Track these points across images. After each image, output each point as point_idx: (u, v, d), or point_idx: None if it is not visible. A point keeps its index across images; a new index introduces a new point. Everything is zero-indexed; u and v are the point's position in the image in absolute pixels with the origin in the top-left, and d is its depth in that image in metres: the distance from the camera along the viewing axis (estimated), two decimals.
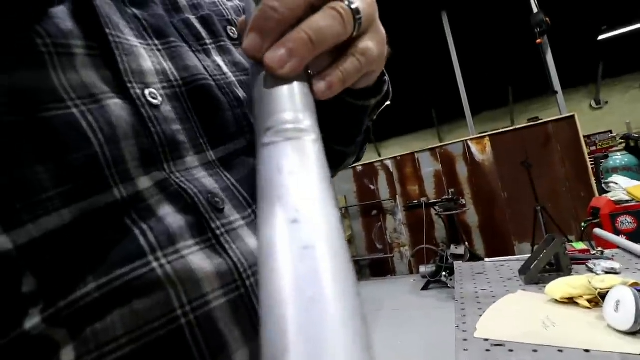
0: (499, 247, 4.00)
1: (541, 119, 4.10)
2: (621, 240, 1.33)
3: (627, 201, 1.83)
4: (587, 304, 0.86)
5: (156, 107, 0.25)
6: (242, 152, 0.30)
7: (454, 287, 1.28)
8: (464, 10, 4.51)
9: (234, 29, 0.35)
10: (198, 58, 0.30)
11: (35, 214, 0.19)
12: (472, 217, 4.13)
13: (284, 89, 0.16)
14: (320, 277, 0.11)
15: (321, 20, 0.17)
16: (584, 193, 3.56)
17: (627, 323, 0.69)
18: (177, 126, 0.26)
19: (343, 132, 0.35)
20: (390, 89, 0.34)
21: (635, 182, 1.88)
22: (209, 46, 0.31)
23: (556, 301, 0.91)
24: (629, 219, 1.80)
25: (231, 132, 0.29)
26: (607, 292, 0.80)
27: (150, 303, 0.21)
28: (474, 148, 4.16)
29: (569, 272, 1.10)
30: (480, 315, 0.92)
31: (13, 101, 0.19)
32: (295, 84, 0.17)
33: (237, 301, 0.24)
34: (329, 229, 0.12)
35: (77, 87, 0.22)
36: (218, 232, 0.25)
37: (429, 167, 4.39)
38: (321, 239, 0.12)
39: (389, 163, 4.61)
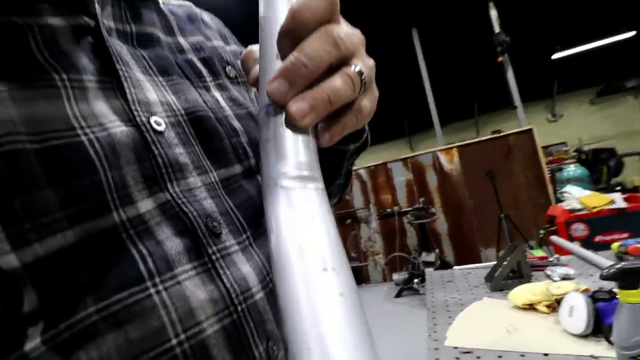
0: (466, 253, 4.17)
1: (503, 132, 4.36)
2: (574, 246, 1.44)
3: (579, 210, 1.98)
4: (545, 310, 0.92)
5: (160, 132, 0.27)
6: (240, 177, 0.32)
7: (425, 294, 1.32)
8: (433, 27, 4.75)
9: (232, 69, 0.38)
10: (199, 93, 0.32)
11: (41, 234, 0.20)
12: (441, 224, 4.29)
13: (300, 137, 0.18)
14: (354, 322, 0.12)
15: (338, 83, 0.20)
16: (542, 201, 3.81)
17: (580, 327, 0.75)
18: (180, 149, 0.28)
19: (323, 174, 0.36)
20: (369, 137, 0.36)
21: (587, 192, 2.04)
22: (209, 83, 0.34)
23: (518, 307, 0.97)
24: (581, 226, 1.95)
25: (229, 158, 0.31)
26: (564, 297, 0.87)
27: (146, 331, 0.22)
28: (442, 158, 4.34)
29: (529, 279, 1.17)
30: (450, 324, 0.96)
31: (31, 129, 0.21)
32: (309, 133, 0.19)
33: (230, 327, 0.25)
34: (351, 275, 0.14)
35: (87, 117, 0.23)
36: (214, 257, 0.26)
37: (400, 177, 4.52)
38: (350, 287, 0.13)
39: (362, 172, 4.70)
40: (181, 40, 0.35)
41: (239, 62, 0.36)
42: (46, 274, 0.20)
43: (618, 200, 1.92)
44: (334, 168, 0.38)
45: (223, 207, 0.29)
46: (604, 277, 0.56)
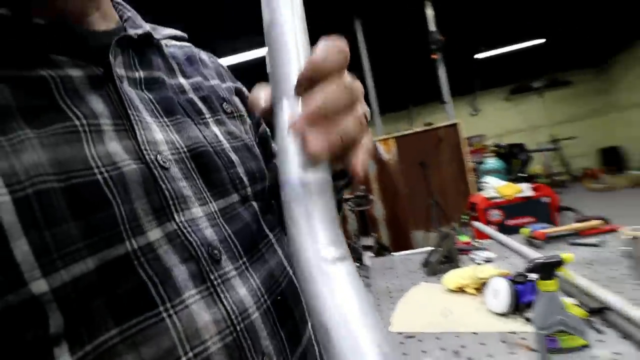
0: (400, 236, 4.50)
1: (434, 124, 4.71)
2: (491, 231, 1.65)
3: (496, 198, 2.26)
4: (473, 292, 1.04)
5: (166, 168, 0.30)
6: (237, 206, 0.35)
7: (366, 277, 1.40)
8: (375, 19, 4.86)
9: (228, 105, 0.41)
10: (199, 129, 0.35)
11: (66, 262, 0.23)
12: (379, 211, 4.54)
13: (331, 214, 0.20)
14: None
15: (352, 128, 0.22)
16: (464, 188, 4.25)
17: (502, 307, 0.87)
18: (184, 183, 0.31)
19: None
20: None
21: (502, 182, 2.33)
22: (208, 119, 0.37)
23: (451, 290, 1.08)
24: (497, 212, 2.23)
25: (227, 188, 0.34)
26: (488, 280, 0.99)
27: (159, 351, 0.25)
28: (381, 148, 4.56)
29: (458, 263, 1.31)
30: (393, 310, 1.03)
31: (56, 170, 0.24)
32: (334, 209, 0.21)
33: (231, 344, 0.28)
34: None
35: (103, 157, 0.26)
36: (215, 282, 0.29)
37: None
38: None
39: None
40: (182, 81, 0.38)
41: (234, 97, 0.43)
42: (70, 298, 0.23)
43: (527, 189, 2.22)
44: None
45: (222, 235, 0.32)
46: (528, 270, 0.64)
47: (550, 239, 1.39)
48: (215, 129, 0.37)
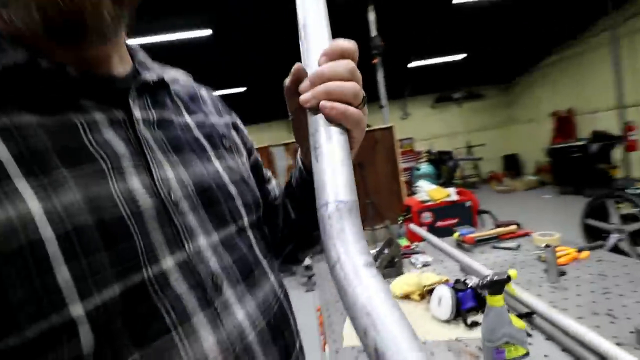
0: None
1: (372, 126, 4.91)
2: (428, 235, 1.77)
3: (428, 201, 2.44)
4: (417, 298, 1.09)
5: (176, 203, 0.33)
6: (235, 236, 0.39)
7: (311, 286, 1.39)
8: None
9: (227, 140, 0.46)
10: (203, 165, 0.39)
11: (98, 287, 0.26)
12: None
13: (359, 228, 0.26)
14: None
15: (351, 93, 0.32)
16: (396, 188, 4.54)
17: (446, 314, 0.92)
18: (191, 216, 0.34)
19: (311, 211, 0.43)
20: None
21: (433, 186, 2.53)
22: (211, 155, 0.41)
23: (397, 297, 1.12)
24: (428, 214, 2.41)
25: (226, 220, 0.38)
26: (432, 287, 1.04)
27: None
28: None
29: (401, 267, 1.37)
30: (344, 321, 1.03)
31: (89, 207, 0.27)
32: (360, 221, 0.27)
33: None
34: None
35: (125, 194, 0.30)
36: (218, 308, 0.33)
37: (282, 161, 4.57)
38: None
39: None
40: (188, 119, 0.42)
41: (232, 132, 0.49)
42: (100, 320, 0.26)
43: (453, 193, 2.44)
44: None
45: (223, 264, 0.36)
46: (481, 287, 0.68)
47: (477, 242, 1.54)
48: (217, 164, 0.41)
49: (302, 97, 0.32)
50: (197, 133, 0.41)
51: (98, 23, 0.28)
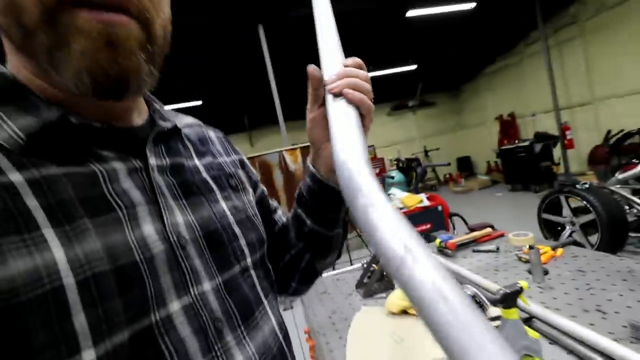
0: None
1: None
2: None
3: (402, 208, 2.47)
4: (415, 312, 1.07)
5: (184, 247, 0.35)
6: (238, 276, 0.40)
7: (305, 312, 1.32)
8: (279, 26, 4.83)
9: (233, 179, 0.48)
10: (210, 206, 0.40)
11: (111, 332, 0.27)
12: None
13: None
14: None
15: (367, 90, 0.41)
16: None
17: None
18: (197, 260, 0.36)
19: (326, 214, 0.52)
20: None
21: (405, 194, 2.58)
22: (218, 196, 0.43)
23: (395, 314, 1.09)
24: None
25: (230, 261, 0.40)
26: None
27: None
28: (288, 158, 4.54)
29: (391, 281, 1.35)
30: (344, 345, 0.98)
31: (107, 254, 0.29)
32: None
33: None
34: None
35: (139, 240, 0.32)
36: (219, 352, 0.34)
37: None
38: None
39: None
40: (197, 162, 0.44)
41: (239, 171, 0.51)
42: None
43: (424, 199, 2.50)
44: (333, 208, 0.52)
45: (224, 307, 0.36)
46: (493, 303, 0.66)
47: (458, 247, 1.57)
48: (223, 204, 0.43)
49: (330, 85, 0.40)
50: (206, 175, 0.43)
51: (137, 82, 0.31)
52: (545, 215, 3.03)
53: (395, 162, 3.91)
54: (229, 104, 7.58)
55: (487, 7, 5.70)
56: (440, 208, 2.49)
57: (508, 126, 8.26)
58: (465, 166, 10.03)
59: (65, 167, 0.30)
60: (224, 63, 5.55)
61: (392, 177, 3.50)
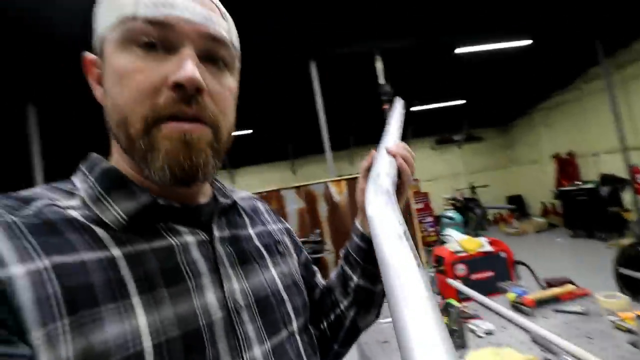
0: None
1: None
2: (479, 295, 1.63)
3: (460, 251, 2.31)
4: None
5: (239, 313, 0.39)
6: (284, 341, 0.43)
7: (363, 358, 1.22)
8: (330, 62, 5.03)
9: (280, 245, 0.52)
10: (262, 272, 0.45)
11: None
12: (329, 254, 4.40)
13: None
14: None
15: (411, 164, 0.53)
16: (410, 231, 4.40)
17: None
18: (250, 326, 0.39)
19: (372, 270, 0.55)
20: None
21: (464, 236, 2.42)
22: (268, 263, 0.47)
23: None
24: (462, 266, 2.27)
25: (279, 327, 0.43)
26: None
27: None
28: (333, 189, 4.53)
29: (463, 338, 1.22)
30: None
31: (178, 321, 0.33)
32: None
33: None
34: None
35: (202, 307, 0.35)
36: None
37: (293, 205, 4.46)
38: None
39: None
40: (251, 232, 0.49)
41: (285, 237, 0.56)
42: None
43: (485, 244, 2.33)
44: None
45: None
46: None
47: (537, 304, 1.40)
48: (273, 271, 0.47)
49: (390, 147, 0.53)
50: (258, 243, 0.48)
51: (204, 173, 0.37)
52: (623, 270, 2.68)
53: (452, 201, 3.72)
54: (275, 132, 7.87)
55: (543, 44, 5.53)
56: (503, 255, 2.29)
57: (567, 165, 7.68)
58: (517, 205, 9.38)
59: (151, 241, 0.35)
60: (274, 94, 5.83)
61: (452, 219, 3.28)
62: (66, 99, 4.49)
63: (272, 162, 9.71)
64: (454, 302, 1.54)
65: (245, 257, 0.44)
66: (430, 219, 7.58)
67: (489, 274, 2.26)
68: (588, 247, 5.44)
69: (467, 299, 1.73)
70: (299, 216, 4.49)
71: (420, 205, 6.03)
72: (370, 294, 0.56)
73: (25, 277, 0.27)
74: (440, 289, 2.35)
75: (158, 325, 0.31)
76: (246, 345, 0.37)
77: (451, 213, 3.76)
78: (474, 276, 2.25)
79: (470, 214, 3.96)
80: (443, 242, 2.55)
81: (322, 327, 0.57)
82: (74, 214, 0.34)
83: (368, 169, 0.53)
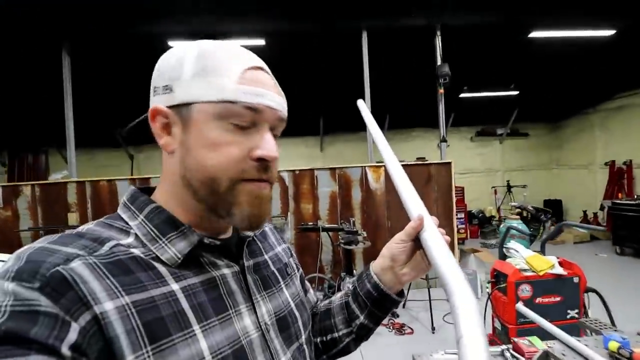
0: None
1: (425, 159, 4.53)
2: (560, 332, 1.35)
3: (526, 270, 2.02)
4: None
5: (268, 331, 0.49)
6: (296, 353, 0.52)
7: None
8: (383, 37, 4.57)
9: (288, 267, 0.63)
10: (279, 295, 0.55)
11: None
12: (362, 244, 4.19)
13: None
14: None
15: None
16: (448, 230, 4.10)
17: None
18: (276, 341, 0.49)
19: (378, 315, 0.63)
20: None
21: (530, 252, 2.11)
22: (282, 285, 0.57)
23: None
24: (527, 287, 1.98)
25: (293, 340, 0.53)
26: None
27: None
28: (370, 175, 4.25)
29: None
30: None
31: (227, 343, 0.42)
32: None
33: None
34: None
35: (242, 330, 0.45)
36: None
37: (325, 187, 4.23)
38: None
39: (285, 175, 4.22)
40: (266, 257, 0.58)
41: (290, 259, 0.66)
42: None
43: (556, 265, 2.02)
44: (387, 312, 0.63)
45: None
46: None
47: None
48: (286, 292, 0.57)
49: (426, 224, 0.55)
50: (273, 268, 0.58)
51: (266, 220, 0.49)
52: None
53: (519, 209, 3.35)
54: (308, 103, 7.47)
55: (625, 38, 4.81)
56: (576, 280, 1.98)
57: (622, 175, 7.00)
58: (554, 211, 8.79)
59: (198, 275, 0.45)
60: (313, 64, 5.44)
61: (519, 231, 2.93)
62: (99, 42, 4.37)
63: (302, 137, 9.40)
64: (536, 340, 1.27)
65: (266, 283, 0.54)
66: (461, 215, 7.19)
67: (556, 298, 1.97)
68: (634, 266, 4.98)
69: (529, 323, 1.46)
70: (330, 199, 4.27)
71: (456, 199, 5.66)
72: (370, 331, 0.64)
73: (115, 312, 0.35)
74: (497, 309, 2.09)
75: (215, 347, 0.41)
76: (277, 357, 0.48)
77: (518, 224, 3.38)
78: (539, 300, 1.96)
79: (538, 225, 3.58)
80: (506, 257, 2.24)
81: (317, 340, 0.66)
82: (136, 252, 0.42)
83: (417, 233, 0.55)
